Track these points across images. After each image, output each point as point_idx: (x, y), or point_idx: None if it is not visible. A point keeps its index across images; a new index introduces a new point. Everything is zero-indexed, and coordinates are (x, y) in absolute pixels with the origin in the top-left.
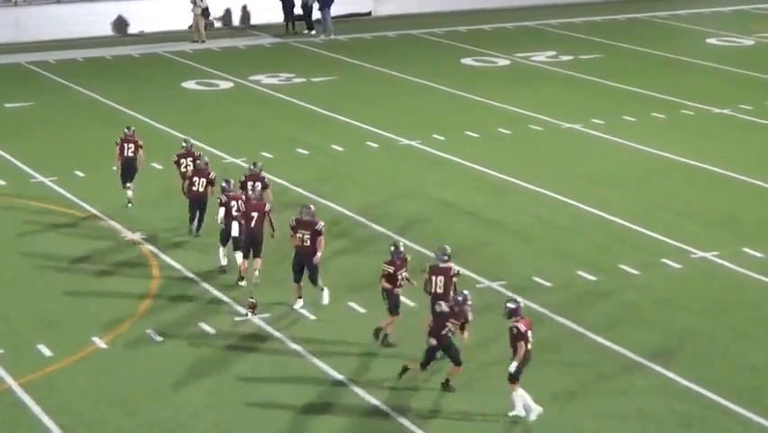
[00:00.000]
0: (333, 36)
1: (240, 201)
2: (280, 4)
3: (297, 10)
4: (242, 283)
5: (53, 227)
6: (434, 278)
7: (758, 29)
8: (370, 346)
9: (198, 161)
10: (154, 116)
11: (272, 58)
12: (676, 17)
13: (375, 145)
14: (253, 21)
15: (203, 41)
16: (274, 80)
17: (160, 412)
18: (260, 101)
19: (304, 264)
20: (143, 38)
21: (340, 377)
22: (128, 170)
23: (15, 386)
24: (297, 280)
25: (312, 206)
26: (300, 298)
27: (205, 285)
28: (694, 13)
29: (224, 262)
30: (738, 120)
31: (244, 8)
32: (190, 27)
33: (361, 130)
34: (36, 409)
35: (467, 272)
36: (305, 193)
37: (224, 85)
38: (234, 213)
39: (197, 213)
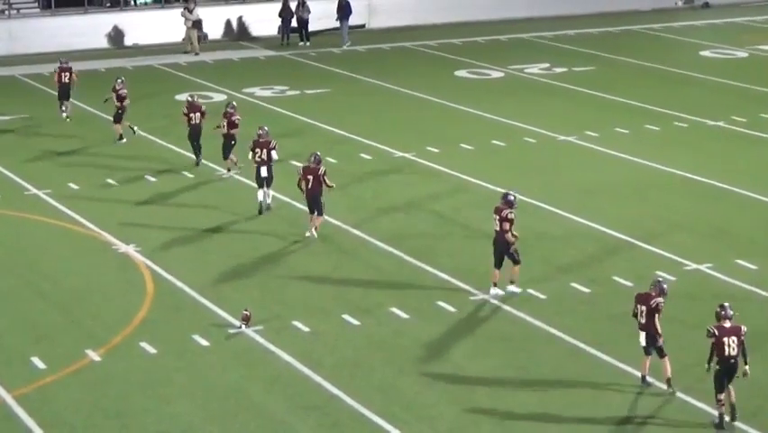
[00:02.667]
0: (347, 46)
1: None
2: (277, 16)
3: (293, 23)
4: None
5: (47, 240)
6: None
7: (751, 41)
8: (364, 358)
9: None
10: (148, 129)
11: (266, 70)
12: (670, 29)
13: (369, 157)
14: (247, 33)
15: (196, 54)
16: (268, 93)
17: (154, 425)
18: (254, 113)
19: (311, 201)
20: (137, 50)
21: (334, 390)
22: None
23: (9, 399)
24: (312, 212)
25: (318, 153)
26: (315, 229)
27: (199, 297)
28: (688, 25)
29: (260, 199)
30: (732, 132)
31: (239, 20)
32: (184, 40)
33: (354, 142)
34: (30, 422)
35: (461, 285)
36: (298, 205)
37: (218, 97)
38: (257, 159)
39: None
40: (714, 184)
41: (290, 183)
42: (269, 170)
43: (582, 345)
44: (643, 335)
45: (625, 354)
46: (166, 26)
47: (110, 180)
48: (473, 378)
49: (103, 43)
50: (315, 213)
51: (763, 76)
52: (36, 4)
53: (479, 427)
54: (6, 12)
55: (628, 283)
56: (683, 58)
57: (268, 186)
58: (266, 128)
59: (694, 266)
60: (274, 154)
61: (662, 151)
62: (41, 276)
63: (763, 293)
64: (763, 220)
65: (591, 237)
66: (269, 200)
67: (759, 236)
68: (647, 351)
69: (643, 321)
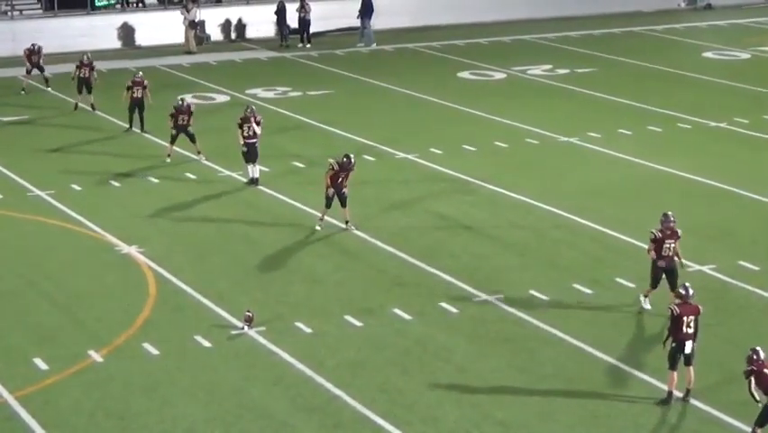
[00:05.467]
0: (375, 46)
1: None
2: (275, 17)
3: (293, 23)
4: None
5: (50, 241)
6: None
7: (754, 42)
8: (366, 359)
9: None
10: (150, 130)
11: (269, 71)
12: (672, 31)
13: (372, 159)
14: (249, 34)
15: (192, 52)
16: (271, 94)
17: (156, 426)
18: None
19: (339, 195)
20: (140, 51)
21: (337, 391)
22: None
23: (11, 400)
24: (328, 206)
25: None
26: (322, 220)
27: (202, 298)
28: (690, 26)
29: (250, 174)
30: (734, 133)
31: (240, 21)
32: (186, 41)
33: (357, 143)
34: (32, 423)
35: (464, 286)
36: (300, 206)
37: (221, 98)
38: (244, 135)
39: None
40: (716, 185)
41: (293, 185)
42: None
43: (585, 347)
44: (690, 344)
45: (627, 355)
46: (168, 27)
47: (112, 181)
48: (476, 379)
49: (106, 44)
50: (346, 207)
51: (766, 77)
52: (39, 5)
53: (481, 428)
54: (9, 13)
55: (631, 285)
56: (686, 59)
57: (254, 162)
58: (252, 107)
59: (697, 267)
60: (258, 129)
61: (664, 152)
62: (43, 277)
63: (766, 294)
64: (766, 221)
65: (594, 239)
66: (257, 175)
67: (762, 238)
68: (676, 364)
69: (691, 331)
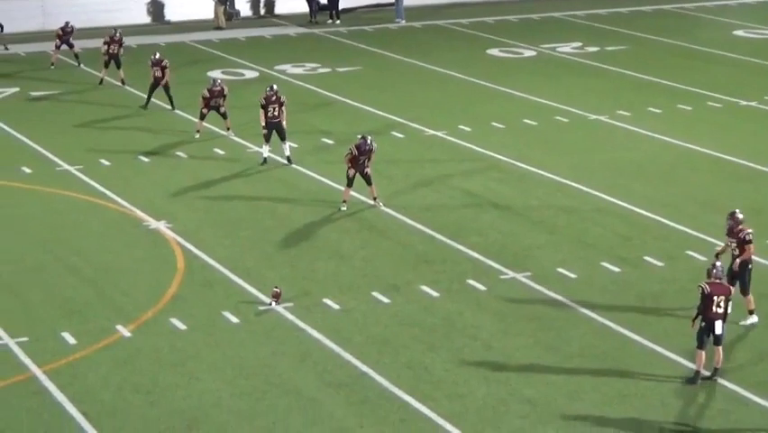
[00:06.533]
0: (404, 22)
1: (275, 107)
2: None
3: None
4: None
5: (78, 216)
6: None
7: None
8: (393, 336)
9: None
10: (180, 106)
11: (298, 47)
12: (702, 8)
13: (401, 135)
14: (278, 10)
15: (220, 28)
16: (299, 70)
17: (183, 401)
18: (286, 90)
19: (362, 175)
20: (170, 27)
21: (363, 367)
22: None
23: (39, 373)
24: (350, 185)
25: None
26: (345, 201)
27: (230, 274)
28: (721, 4)
29: (265, 154)
30: (765, 112)
31: None
32: (216, 16)
33: (386, 120)
34: (60, 397)
35: (491, 263)
36: (329, 182)
37: (250, 74)
38: (268, 116)
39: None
40: (746, 164)
41: (321, 162)
42: (280, 125)
43: (612, 325)
44: (720, 324)
45: (655, 334)
46: (198, 3)
47: (141, 157)
48: (503, 356)
49: (135, 19)
50: (373, 185)
51: None
52: None
53: (507, 405)
54: None
55: (659, 263)
56: (716, 37)
57: (283, 139)
58: (275, 86)
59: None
60: (284, 110)
61: (694, 130)
62: (71, 252)
63: None
64: None
65: (622, 217)
66: (288, 153)
67: None
68: (705, 344)
69: (721, 311)
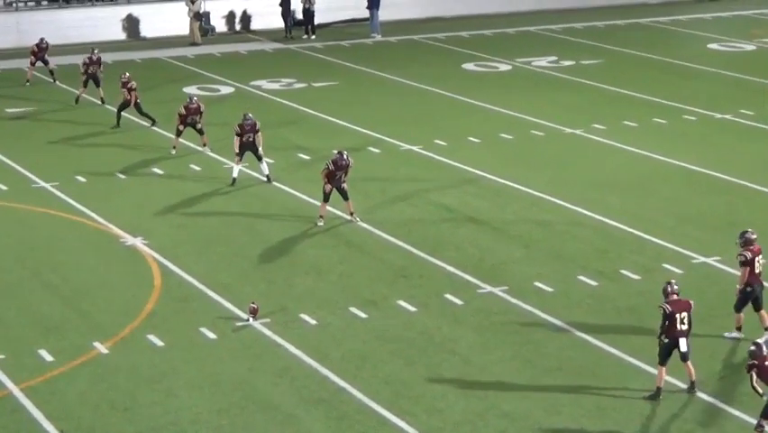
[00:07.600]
0: (380, 37)
1: (249, 135)
2: (279, 9)
3: (298, 15)
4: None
5: (55, 233)
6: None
7: (760, 34)
8: (371, 351)
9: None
10: (158, 122)
11: (273, 63)
12: (677, 22)
13: (376, 150)
14: (254, 26)
15: (197, 44)
16: (275, 85)
17: (161, 417)
18: (261, 106)
19: (339, 190)
20: (146, 43)
21: (341, 382)
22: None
23: (16, 391)
24: (326, 200)
25: (345, 151)
26: (322, 217)
27: (206, 290)
28: (695, 18)
29: (235, 174)
30: (740, 125)
31: (245, 13)
32: (191, 32)
33: (362, 135)
34: (37, 414)
35: (468, 278)
36: (305, 198)
37: (226, 90)
38: (242, 142)
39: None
40: (722, 177)
41: (298, 177)
42: (255, 148)
43: (589, 338)
44: (684, 341)
45: (632, 347)
46: (173, 19)
47: (118, 174)
48: (481, 371)
49: (111, 36)
50: (349, 200)
51: None
52: None
53: (485, 419)
54: (14, 4)
55: (636, 276)
56: (691, 51)
57: (260, 159)
58: (250, 114)
59: (702, 259)
60: (260, 137)
61: (669, 144)
62: (48, 268)
63: None
64: None
65: (598, 230)
66: (266, 171)
67: (766, 229)
68: (666, 360)
69: (685, 327)
